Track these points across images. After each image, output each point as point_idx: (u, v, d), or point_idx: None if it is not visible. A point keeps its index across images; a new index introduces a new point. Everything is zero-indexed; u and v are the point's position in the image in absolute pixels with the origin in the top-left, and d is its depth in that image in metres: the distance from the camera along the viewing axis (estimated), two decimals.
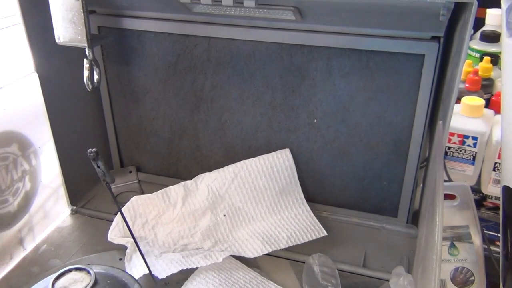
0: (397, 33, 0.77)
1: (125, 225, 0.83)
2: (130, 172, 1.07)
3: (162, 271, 0.74)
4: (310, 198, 0.94)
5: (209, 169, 0.93)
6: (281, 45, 0.83)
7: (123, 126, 1.03)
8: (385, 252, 0.86)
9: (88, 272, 0.57)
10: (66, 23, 0.75)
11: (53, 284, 0.55)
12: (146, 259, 0.76)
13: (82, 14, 0.73)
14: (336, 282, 0.78)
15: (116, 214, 0.95)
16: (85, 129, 1.00)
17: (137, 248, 0.77)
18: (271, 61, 0.85)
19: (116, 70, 0.96)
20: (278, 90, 0.87)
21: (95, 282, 0.56)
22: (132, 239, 0.79)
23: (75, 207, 0.98)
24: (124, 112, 1.01)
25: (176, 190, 0.87)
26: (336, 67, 0.82)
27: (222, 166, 0.92)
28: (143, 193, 1.02)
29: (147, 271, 0.71)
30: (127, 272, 0.62)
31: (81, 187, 1.00)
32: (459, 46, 0.66)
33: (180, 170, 1.04)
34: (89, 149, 0.53)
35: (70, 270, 0.58)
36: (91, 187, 1.04)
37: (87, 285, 0.55)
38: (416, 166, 0.85)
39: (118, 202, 0.99)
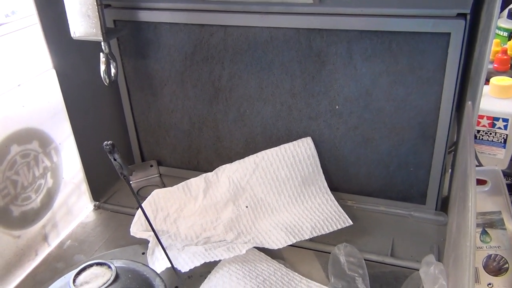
0: (420, 12, 0.74)
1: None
2: (151, 166, 1.06)
3: (185, 264, 0.73)
4: (334, 187, 0.91)
5: (230, 160, 0.92)
6: (299, 31, 0.81)
7: (143, 120, 1.02)
8: (414, 240, 0.83)
9: (109, 267, 0.56)
10: (81, 17, 0.74)
11: (74, 280, 0.55)
12: (169, 253, 0.75)
13: (97, 8, 0.73)
14: (363, 272, 0.76)
15: (138, 208, 0.95)
16: (104, 124, 1.00)
17: (157, 242, 0.77)
18: (289, 47, 0.83)
19: (133, 64, 0.96)
20: (298, 77, 0.84)
21: (116, 277, 0.55)
22: (153, 233, 0.78)
23: (97, 202, 0.98)
24: (143, 105, 1.00)
25: (197, 182, 0.86)
26: (357, 50, 0.79)
27: (243, 157, 0.90)
28: (164, 186, 1.02)
29: (170, 265, 0.70)
30: (148, 266, 0.61)
31: (103, 182, 1.00)
32: (487, 23, 0.63)
33: (201, 162, 1.02)
34: (105, 142, 0.52)
35: (91, 265, 0.57)
36: (113, 182, 1.03)
37: (108, 280, 0.55)
38: (444, 151, 0.82)
39: (138, 196, 0.99)
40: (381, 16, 0.75)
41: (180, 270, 0.71)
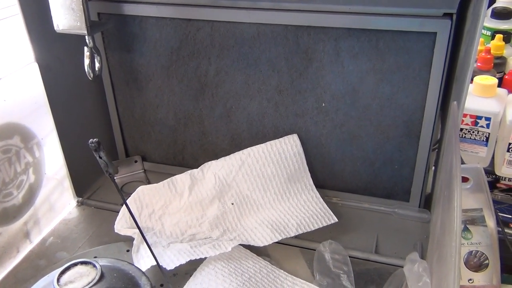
0: (407, 11, 0.74)
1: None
2: (136, 162, 1.05)
3: (170, 262, 0.72)
4: (320, 184, 0.92)
5: (216, 157, 0.91)
6: (287, 27, 0.81)
7: (127, 115, 1.01)
8: (398, 237, 0.84)
9: (94, 266, 0.56)
10: (65, 10, 0.73)
11: (58, 279, 0.54)
12: (154, 250, 0.74)
13: (81, 0, 0.71)
14: (348, 269, 0.76)
15: (122, 205, 0.94)
16: (88, 119, 0.98)
17: (142, 240, 0.76)
18: (277, 44, 0.82)
19: (117, 58, 0.94)
20: (285, 73, 0.84)
21: (101, 276, 0.54)
22: (138, 230, 0.77)
23: (81, 198, 0.96)
24: (127, 100, 0.99)
25: (182, 179, 0.86)
26: (344, 48, 0.79)
27: (229, 153, 0.90)
28: (149, 182, 1.01)
29: (155, 263, 0.70)
30: (134, 265, 0.60)
31: (86, 178, 0.98)
32: (474, 23, 0.63)
33: (186, 158, 1.02)
34: (90, 140, 0.51)
35: (75, 264, 0.56)
36: (97, 177, 1.02)
37: (93, 279, 0.54)
38: (429, 149, 0.83)
39: (123, 193, 0.97)
40: (369, 15, 0.75)
41: (165, 268, 0.71)
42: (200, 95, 0.92)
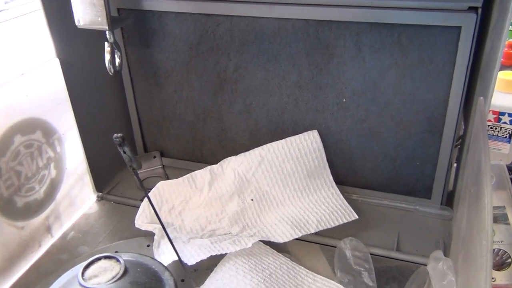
0: (431, 5, 0.73)
1: (152, 211, 0.82)
2: (154, 157, 1.05)
3: (191, 257, 0.72)
4: (339, 180, 0.91)
5: (234, 152, 0.91)
6: (307, 22, 0.80)
7: (146, 111, 1.01)
8: (419, 235, 0.83)
9: (118, 260, 0.56)
10: (86, 6, 0.73)
11: (82, 273, 0.54)
12: (173, 245, 0.74)
13: None
14: (369, 266, 0.75)
15: (142, 200, 0.94)
16: (107, 114, 0.99)
17: (164, 235, 0.76)
18: (297, 39, 0.81)
19: (137, 53, 0.94)
20: (305, 69, 0.83)
21: (125, 271, 0.55)
22: (159, 225, 0.78)
23: (100, 193, 0.97)
24: (146, 96, 0.99)
25: (202, 174, 0.86)
26: (365, 43, 0.78)
27: (248, 149, 0.90)
28: (167, 178, 1.01)
29: (176, 258, 0.70)
30: (157, 260, 0.60)
31: (106, 173, 0.99)
32: (501, 17, 0.62)
33: (205, 154, 1.02)
34: (115, 134, 0.51)
35: (99, 259, 0.56)
36: (116, 173, 1.03)
37: (117, 273, 0.54)
38: (451, 145, 0.82)
39: (146, 189, 0.98)
40: (391, 9, 0.74)
41: (186, 263, 0.71)
42: (219, 90, 0.92)
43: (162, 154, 1.06)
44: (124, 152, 0.53)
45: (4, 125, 0.72)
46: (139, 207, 0.91)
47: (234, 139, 0.96)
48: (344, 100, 0.84)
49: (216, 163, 0.90)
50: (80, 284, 0.53)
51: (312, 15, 0.79)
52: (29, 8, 1.39)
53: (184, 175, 0.88)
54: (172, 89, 0.96)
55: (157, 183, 1.00)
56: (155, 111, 1.00)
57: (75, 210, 0.92)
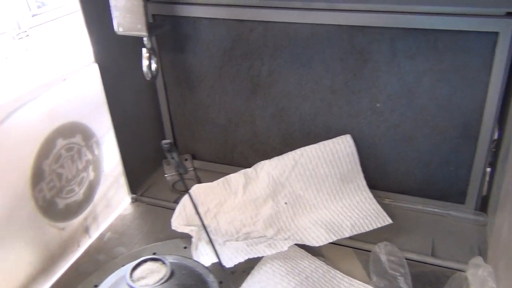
0: (468, 10, 0.73)
1: (188, 213, 0.83)
2: (186, 160, 1.07)
3: (228, 260, 0.73)
4: (372, 184, 0.91)
5: (266, 156, 0.92)
6: (342, 27, 0.80)
7: (179, 114, 1.03)
8: (453, 240, 0.83)
9: (164, 263, 0.57)
10: (125, 13, 0.74)
11: (131, 275, 0.56)
12: (210, 248, 0.76)
13: (142, 3, 0.73)
14: (404, 271, 0.76)
15: (175, 202, 0.96)
16: (142, 118, 1.00)
17: (202, 237, 0.77)
18: (331, 44, 0.82)
19: (170, 58, 0.96)
20: (339, 74, 0.84)
21: (172, 273, 0.56)
22: (196, 228, 0.79)
23: (134, 195, 0.99)
24: (179, 100, 1.01)
25: (236, 178, 0.87)
26: (401, 48, 0.78)
27: (279, 153, 0.90)
28: (199, 180, 1.03)
29: (215, 260, 0.71)
30: (200, 263, 0.61)
31: (139, 175, 1.01)
32: None
33: (236, 157, 1.03)
34: (163, 141, 0.53)
35: (145, 261, 0.58)
36: (149, 176, 1.05)
37: (164, 276, 0.55)
38: (487, 151, 0.81)
39: (175, 191, 1.00)
40: (427, 14, 0.75)
41: (224, 266, 0.72)
42: (252, 95, 0.93)
43: (194, 157, 1.07)
44: (172, 158, 0.55)
45: (47, 129, 0.75)
46: (172, 209, 0.93)
47: (266, 142, 0.97)
48: (378, 105, 0.84)
49: (248, 166, 0.91)
50: (129, 286, 0.54)
51: (346, 20, 0.79)
52: (61, 12, 1.43)
53: (215, 177, 0.90)
54: (205, 93, 0.97)
55: (188, 185, 1.02)
56: (188, 115, 1.02)
57: (111, 211, 0.94)
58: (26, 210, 0.72)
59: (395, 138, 0.86)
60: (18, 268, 0.73)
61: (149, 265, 0.57)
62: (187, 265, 0.60)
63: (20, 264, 0.73)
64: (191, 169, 1.07)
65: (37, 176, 0.73)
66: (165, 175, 1.05)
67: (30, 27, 1.31)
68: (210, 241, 0.63)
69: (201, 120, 1.01)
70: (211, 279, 0.58)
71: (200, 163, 1.07)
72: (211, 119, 1.00)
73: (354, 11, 0.78)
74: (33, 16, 1.34)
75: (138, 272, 0.56)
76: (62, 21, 1.39)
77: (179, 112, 1.02)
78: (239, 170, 0.94)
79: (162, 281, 0.55)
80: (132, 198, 0.99)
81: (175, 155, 0.55)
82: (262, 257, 0.76)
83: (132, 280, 0.55)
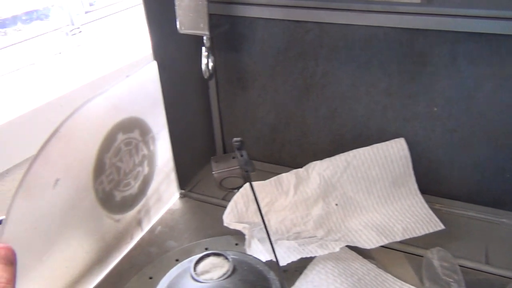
0: None
1: (239, 211, 0.85)
2: (233, 158, 1.08)
3: (281, 258, 0.74)
4: (422, 189, 0.90)
5: (314, 156, 0.92)
6: (401, 30, 0.80)
7: (228, 113, 1.04)
8: (508, 248, 0.81)
9: (226, 258, 0.58)
10: (189, 12, 0.76)
11: (194, 268, 0.57)
12: (263, 246, 0.77)
13: (206, 3, 0.74)
14: (458, 278, 0.75)
15: (224, 199, 0.97)
16: (192, 115, 1.02)
17: (254, 235, 0.78)
18: (389, 47, 0.82)
19: (224, 57, 0.97)
20: (396, 77, 0.84)
21: (234, 268, 0.57)
22: (248, 225, 0.80)
23: (183, 190, 1.01)
24: (230, 98, 1.02)
25: (288, 177, 0.87)
26: (462, 52, 0.77)
27: (329, 154, 0.91)
28: (245, 178, 1.04)
29: (269, 258, 0.72)
30: (260, 260, 0.62)
31: (188, 172, 1.03)
32: None
33: (284, 157, 1.04)
34: (235, 138, 0.54)
35: (208, 255, 0.59)
36: (197, 172, 1.06)
37: (228, 271, 0.56)
38: None
39: (223, 188, 1.01)
40: (492, 18, 0.73)
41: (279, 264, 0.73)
42: (305, 95, 0.93)
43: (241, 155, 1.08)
44: (242, 155, 0.55)
45: (110, 124, 0.77)
46: (219, 206, 0.95)
47: (316, 143, 0.98)
48: (435, 109, 0.83)
49: (295, 166, 0.91)
50: (194, 279, 0.56)
51: (407, 23, 0.79)
52: (112, 9, 1.47)
53: (262, 176, 0.90)
54: (256, 93, 0.98)
55: (235, 182, 1.03)
56: (237, 113, 1.03)
57: (162, 205, 0.96)
58: (87, 201, 0.75)
59: (450, 143, 0.85)
60: (78, 256, 0.76)
61: (212, 260, 0.58)
62: (247, 261, 0.61)
63: (79, 252, 0.76)
64: (238, 167, 1.08)
65: (99, 168, 0.76)
66: (213, 172, 1.06)
67: (82, 23, 1.36)
68: (269, 238, 0.64)
69: (251, 119, 1.02)
70: (271, 276, 0.59)
71: (240, 159, 1.07)
72: (260, 118, 1.01)
73: (415, 13, 0.77)
74: (86, 13, 1.38)
75: (201, 266, 0.57)
76: (113, 18, 1.42)
77: (229, 110, 1.04)
78: (286, 169, 0.94)
79: (226, 276, 0.56)
80: (181, 194, 1.01)
81: (244, 152, 0.56)
82: (314, 257, 0.77)
83: (196, 274, 0.56)
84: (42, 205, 0.65)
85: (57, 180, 0.67)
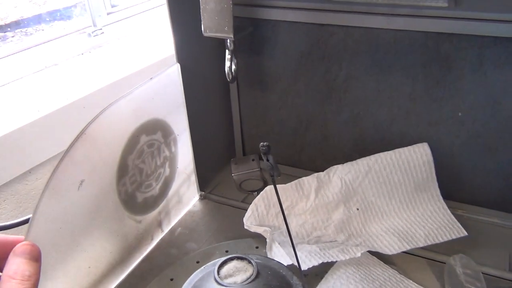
0: None
1: (259, 213, 0.85)
2: (253, 160, 1.08)
3: (302, 263, 0.74)
4: (444, 194, 0.89)
5: (335, 160, 0.92)
6: (427, 34, 0.79)
7: (248, 115, 1.04)
8: None
9: (250, 262, 0.58)
10: (215, 15, 0.76)
11: (218, 271, 0.57)
12: (283, 249, 0.76)
13: (231, 6, 0.74)
14: (481, 285, 0.74)
15: (243, 201, 0.97)
16: (213, 117, 1.03)
17: (275, 238, 0.78)
18: (414, 50, 0.81)
19: (246, 60, 0.97)
20: (420, 81, 0.83)
21: (258, 273, 0.57)
22: (269, 228, 0.80)
23: (203, 192, 1.01)
24: (250, 101, 1.02)
25: (309, 181, 0.87)
26: (489, 57, 0.76)
27: (349, 158, 0.90)
28: (264, 181, 1.04)
29: (290, 262, 0.72)
30: (283, 264, 0.62)
31: (208, 173, 1.03)
32: None
33: (303, 160, 1.03)
34: (262, 143, 0.54)
35: (232, 259, 0.59)
36: (216, 174, 1.07)
37: (251, 275, 0.56)
38: None
39: (242, 190, 1.01)
40: None
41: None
42: (327, 99, 0.93)
43: (260, 158, 1.09)
44: (268, 160, 0.55)
45: (133, 125, 0.77)
46: (239, 208, 0.95)
47: (336, 147, 0.97)
48: (459, 114, 0.82)
49: (315, 169, 0.91)
50: (217, 282, 0.56)
51: (433, 27, 0.78)
52: (133, 11, 1.48)
53: (281, 178, 0.90)
54: (278, 96, 0.98)
55: (254, 185, 1.03)
56: (258, 116, 1.03)
57: (182, 207, 0.96)
58: (110, 202, 0.76)
59: (475, 149, 0.84)
60: (101, 257, 0.76)
61: (235, 263, 0.58)
62: (270, 265, 0.61)
63: (102, 252, 0.76)
64: (257, 169, 1.08)
65: (122, 170, 0.76)
66: (232, 174, 1.07)
67: (104, 24, 1.37)
68: (291, 242, 0.64)
69: (271, 122, 1.02)
70: (295, 281, 0.59)
71: (266, 164, 1.07)
72: (280, 121, 1.01)
73: (442, 17, 0.76)
74: (108, 14, 1.39)
75: (225, 269, 0.57)
76: (136, 20, 1.43)
77: (249, 112, 1.04)
78: (305, 172, 0.94)
79: (249, 280, 0.56)
80: (200, 195, 1.01)
81: (270, 157, 0.56)
82: (335, 261, 0.77)
83: (220, 277, 0.56)
84: (67, 205, 0.66)
85: (82, 181, 0.68)
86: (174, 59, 0.86)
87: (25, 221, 0.68)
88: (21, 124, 0.90)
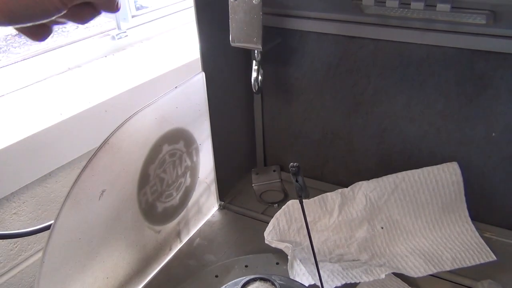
0: None
1: (281, 229, 0.83)
2: (274, 171, 1.06)
3: (325, 282, 0.72)
4: (472, 216, 0.86)
5: (359, 175, 0.89)
6: (462, 51, 0.76)
7: (272, 126, 1.02)
8: None
9: (274, 284, 0.56)
10: (243, 25, 0.74)
11: None
12: (304, 267, 0.74)
13: (261, 17, 0.73)
14: None
15: (263, 213, 0.96)
16: (235, 127, 1.01)
17: (296, 255, 0.76)
18: (448, 67, 0.78)
19: (271, 70, 0.95)
20: (453, 99, 0.80)
21: None
22: (290, 245, 0.78)
23: (222, 202, 0.99)
24: (274, 112, 1.00)
25: (333, 197, 0.85)
26: None
27: (374, 174, 0.87)
28: (285, 192, 1.02)
29: (312, 282, 0.70)
30: (304, 285, 0.60)
31: (228, 183, 1.01)
32: None
33: (325, 173, 1.01)
34: (291, 163, 0.52)
35: (255, 280, 0.57)
36: (236, 184, 1.05)
37: None
38: None
39: (261, 201, 0.99)
40: None
41: None
42: (353, 112, 0.90)
43: (281, 169, 1.07)
44: (297, 181, 0.53)
45: (156, 135, 0.76)
46: (259, 220, 0.93)
47: (361, 162, 0.95)
48: (493, 134, 0.79)
49: (338, 183, 0.89)
50: None
51: (468, 44, 0.75)
52: (158, 14, 1.47)
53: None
54: (302, 107, 0.96)
55: (275, 196, 1.01)
56: (281, 127, 1.01)
57: (201, 217, 0.95)
58: (130, 212, 0.74)
59: (508, 171, 0.81)
60: (119, 266, 0.75)
61: (258, 285, 0.56)
62: (293, 287, 0.59)
63: (120, 263, 0.75)
64: (278, 180, 1.06)
65: (144, 179, 0.75)
66: (253, 185, 1.05)
67: (129, 27, 1.36)
68: (316, 263, 0.62)
69: (294, 133, 1.00)
70: None
71: (287, 175, 1.06)
72: (304, 133, 0.98)
73: (478, 34, 0.73)
74: (132, 17, 1.39)
75: None
76: (160, 23, 1.43)
77: (273, 123, 1.02)
78: (328, 185, 0.92)
79: None
80: (220, 205, 0.99)
81: (300, 178, 0.54)
82: (358, 283, 0.74)
83: None
84: (87, 215, 0.65)
85: (103, 191, 0.67)
86: (198, 64, 0.84)
87: (46, 228, 0.67)
88: (43, 126, 0.90)
